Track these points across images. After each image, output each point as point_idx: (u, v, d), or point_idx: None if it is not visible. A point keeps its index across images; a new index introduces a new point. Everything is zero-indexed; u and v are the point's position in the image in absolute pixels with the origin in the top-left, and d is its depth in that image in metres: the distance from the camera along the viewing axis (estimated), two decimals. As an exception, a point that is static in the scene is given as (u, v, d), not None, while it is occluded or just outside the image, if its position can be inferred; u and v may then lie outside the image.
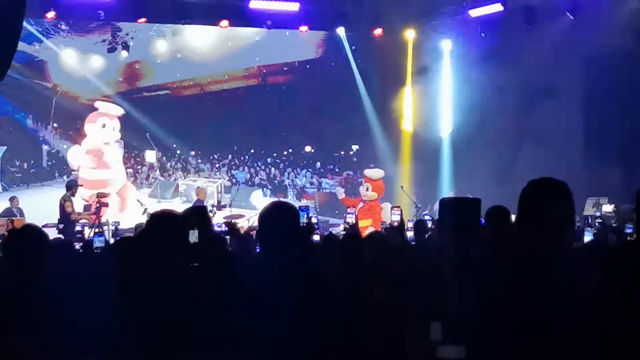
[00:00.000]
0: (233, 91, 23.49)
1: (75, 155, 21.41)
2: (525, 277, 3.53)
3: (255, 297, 4.12)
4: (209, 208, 18.90)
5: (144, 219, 15.50)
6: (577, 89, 19.83)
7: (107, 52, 21.84)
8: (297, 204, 17.05)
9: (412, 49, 21.61)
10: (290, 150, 24.29)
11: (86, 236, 14.10)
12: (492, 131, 20.67)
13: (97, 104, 21.63)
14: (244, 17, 20.83)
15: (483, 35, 20.69)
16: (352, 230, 9.67)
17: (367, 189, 19.94)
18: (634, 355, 3.37)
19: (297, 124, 23.40)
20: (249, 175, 24.07)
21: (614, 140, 18.84)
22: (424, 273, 5.43)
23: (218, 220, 16.61)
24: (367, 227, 18.16)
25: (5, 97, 21.14)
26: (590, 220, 15.20)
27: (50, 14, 19.41)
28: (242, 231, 12.29)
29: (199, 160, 23.53)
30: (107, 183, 20.98)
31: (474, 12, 20.35)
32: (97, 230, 15.05)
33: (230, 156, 23.93)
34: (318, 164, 24.58)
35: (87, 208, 17.39)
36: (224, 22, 20.92)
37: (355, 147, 24.54)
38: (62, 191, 17.65)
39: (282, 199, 20.06)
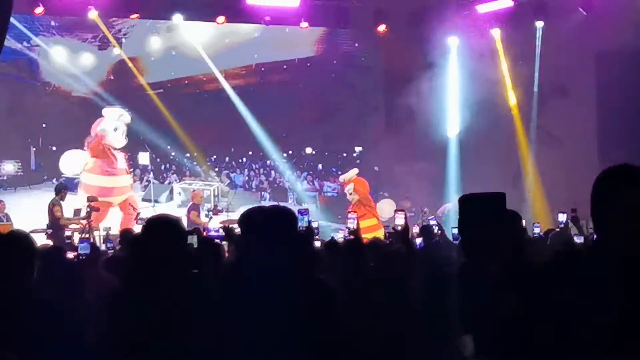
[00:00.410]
0: (230, 90, 23.42)
1: (71, 162, 21.42)
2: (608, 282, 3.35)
3: (253, 305, 4.13)
4: (205, 212, 18.95)
5: (134, 224, 15.45)
6: (590, 87, 19.85)
7: (99, 49, 21.84)
8: (296, 208, 17.05)
9: (417, 46, 21.57)
10: (290, 152, 24.26)
11: (75, 242, 14.07)
12: (501, 131, 20.68)
13: (105, 112, 21.56)
14: (241, 12, 20.79)
15: (492, 32, 20.68)
16: (354, 236, 9.63)
17: (351, 192, 20.03)
18: None
19: (297, 124, 23.41)
20: (247, 178, 24.05)
21: (628, 140, 18.81)
22: (433, 279, 5.43)
23: (214, 225, 16.71)
24: (372, 225, 18.23)
25: (-7, 96, 21.14)
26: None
27: (39, 10, 19.37)
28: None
29: (195, 163, 23.50)
30: (114, 192, 21.07)
31: (482, 8, 20.34)
32: (85, 235, 15.07)
33: (227, 158, 23.91)
34: (319, 166, 24.56)
35: (76, 213, 17.35)
36: (221, 18, 20.89)
37: (358, 149, 24.52)
38: (51, 195, 17.65)
39: (281, 203, 20.07)
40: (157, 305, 4.16)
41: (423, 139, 21.01)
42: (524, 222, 6.88)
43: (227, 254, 8.97)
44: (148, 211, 20.32)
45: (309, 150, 24.47)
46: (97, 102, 21.98)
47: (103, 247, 12.61)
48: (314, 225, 11.90)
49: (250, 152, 23.94)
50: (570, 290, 3.29)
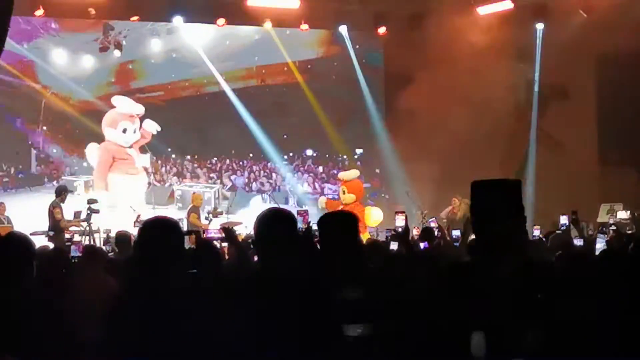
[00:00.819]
0: (231, 92, 23.39)
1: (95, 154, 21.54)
2: None
3: (254, 307, 4.14)
4: (205, 215, 18.93)
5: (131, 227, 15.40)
6: (590, 90, 19.85)
7: (99, 51, 21.81)
8: (296, 210, 17.03)
9: (418, 48, 21.56)
10: (291, 154, 24.25)
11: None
12: (502, 133, 20.67)
13: (115, 101, 21.57)
14: (242, 14, 20.80)
15: (492, 33, 20.67)
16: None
17: (344, 192, 19.98)
18: None
19: (298, 126, 23.39)
20: (247, 180, 24.02)
21: (628, 143, 18.82)
22: (434, 280, 5.41)
23: (214, 227, 16.67)
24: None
25: (-7, 98, 21.13)
26: (602, 228, 15.14)
27: (39, 12, 19.37)
28: (240, 239, 12.29)
29: (195, 165, 23.47)
30: (135, 192, 21.12)
31: (483, 10, 20.34)
32: (78, 239, 15.05)
33: (228, 161, 23.88)
34: (320, 168, 24.54)
35: (77, 215, 17.34)
36: (221, 20, 20.91)
37: (359, 151, 24.51)
38: (51, 197, 17.64)
39: (281, 206, 20.06)
40: (156, 307, 4.15)
41: (424, 141, 20.99)
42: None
43: (227, 256, 8.99)
44: (148, 213, 20.30)
45: (309, 152, 24.45)
46: (97, 104, 21.97)
47: (104, 249, 12.60)
48: (314, 227, 11.90)
49: (251, 155, 23.91)
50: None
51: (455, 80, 21.64)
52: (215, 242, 8.72)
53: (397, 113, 22.21)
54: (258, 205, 22.99)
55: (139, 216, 18.09)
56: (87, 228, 16.60)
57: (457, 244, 10.64)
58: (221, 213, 19.62)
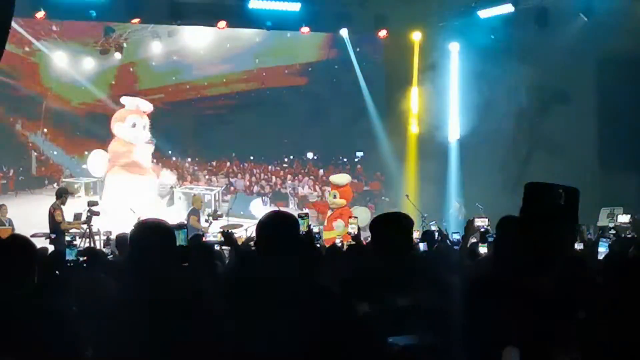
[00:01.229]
0: (231, 95, 23.43)
1: (98, 162, 21.48)
2: None
3: (255, 309, 4.14)
4: (205, 217, 18.91)
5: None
6: (591, 94, 19.84)
7: (100, 54, 21.82)
8: (297, 213, 17.03)
9: (418, 51, 21.60)
10: (291, 157, 24.26)
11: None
12: (502, 136, 20.67)
13: (124, 100, 21.65)
14: (243, 17, 20.79)
15: (493, 37, 20.68)
16: (355, 241, 9.64)
17: (335, 197, 20.05)
18: None
19: (298, 129, 23.41)
20: (248, 183, 24.02)
21: (629, 147, 18.81)
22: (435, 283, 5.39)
23: (214, 230, 16.66)
24: (334, 238, 18.21)
25: (-6, 101, 21.12)
26: (603, 232, 15.12)
27: (40, 14, 19.36)
28: (240, 242, 12.28)
29: (196, 168, 23.48)
30: (141, 192, 21.15)
31: (484, 13, 20.34)
32: (74, 242, 15.04)
33: (228, 163, 23.88)
34: (321, 171, 24.54)
35: (77, 217, 17.33)
36: (222, 23, 20.88)
37: (359, 154, 24.53)
38: (51, 199, 17.62)
39: (282, 208, 20.06)
40: (152, 306, 4.15)
41: (424, 143, 21.02)
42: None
43: (227, 260, 8.98)
44: (150, 215, 20.28)
45: (310, 155, 24.45)
46: (98, 107, 21.99)
47: (105, 251, 12.60)
48: (315, 230, 11.91)
49: (251, 157, 23.92)
50: None
51: (455, 82, 21.70)
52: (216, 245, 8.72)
53: (398, 116, 22.23)
54: (258, 208, 23.00)
55: (139, 219, 18.05)
56: (87, 230, 16.58)
57: (457, 247, 10.64)
58: (221, 215, 19.60)
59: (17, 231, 16.02)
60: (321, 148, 24.22)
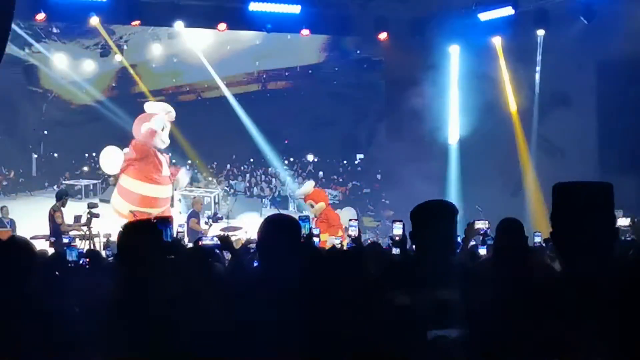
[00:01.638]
0: (232, 97, 23.40)
1: (113, 159, 21.39)
2: None
3: (255, 312, 4.16)
4: (205, 220, 18.90)
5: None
6: (591, 96, 19.84)
7: (100, 56, 21.84)
8: (297, 216, 17.01)
9: (418, 54, 21.58)
10: (291, 160, 24.25)
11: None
12: (502, 139, 20.67)
13: (149, 107, 21.57)
14: (243, 20, 20.80)
15: (493, 40, 20.69)
16: (355, 243, 9.64)
17: (312, 205, 19.93)
18: None
19: (299, 131, 23.43)
20: (248, 185, 24.01)
21: (629, 149, 18.81)
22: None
23: (214, 232, 16.64)
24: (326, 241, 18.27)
25: (-6, 102, 21.11)
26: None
27: (40, 16, 19.36)
28: (239, 244, 12.27)
29: (196, 170, 23.47)
30: (158, 203, 21.19)
31: (484, 16, 20.35)
32: (74, 243, 15.06)
33: (228, 165, 23.87)
34: (321, 173, 24.53)
35: (77, 219, 17.36)
36: (222, 25, 20.88)
37: (360, 156, 24.53)
38: (51, 201, 17.64)
39: (282, 211, 20.05)
40: (144, 306, 4.17)
41: (425, 146, 21.01)
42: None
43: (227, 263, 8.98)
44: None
45: (310, 157, 24.45)
46: (98, 109, 21.99)
47: (103, 254, 12.60)
48: (315, 232, 11.90)
49: (251, 159, 23.91)
50: None
51: (455, 85, 21.69)
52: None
53: (398, 118, 22.22)
54: (258, 210, 23.00)
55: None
56: (87, 232, 16.59)
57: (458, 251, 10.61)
58: (221, 218, 19.60)
59: (16, 233, 16.08)
60: (322, 150, 24.21)
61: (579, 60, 19.15)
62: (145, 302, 4.20)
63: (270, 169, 24.07)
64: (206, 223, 18.68)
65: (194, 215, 19.27)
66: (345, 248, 11.34)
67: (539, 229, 12.83)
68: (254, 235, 17.62)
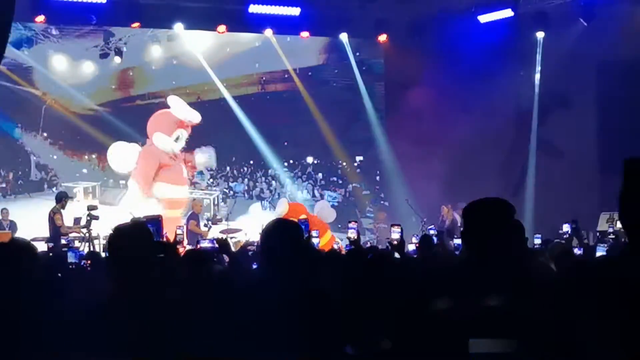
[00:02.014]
0: (231, 99, 23.39)
1: (127, 157, 21.45)
2: None
3: (255, 315, 4.18)
4: (204, 222, 18.90)
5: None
6: (591, 98, 19.86)
7: (99, 58, 21.82)
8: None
9: (418, 55, 21.58)
10: (291, 162, 24.26)
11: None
12: (502, 141, 20.69)
13: (171, 101, 21.62)
14: (242, 22, 20.80)
15: (494, 42, 20.71)
16: (356, 246, 9.66)
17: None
18: None
19: (298, 133, 23.44)
20: (247, 187, 24.00)
21: (629, 151, 18.74)
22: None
23: (214, 235, 16.67)
24: (329, 240, 18.30)
25: (-8, 104, 21.10)
26: (601, 236, 15.13)
27: (40, 18, 19.36)
28: (239, 246, 12.32)
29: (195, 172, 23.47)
30: (183, 204, 21.33)
31: (483, 18, 20.38)
32: (76, 245, 15.08)
33: (228, 168, 23.86)
34: (320, 175, 24.55)
35: (77, 221, 17.37)
36: (222, 28, 20.89)
37: (359, 158, 24.54)
38: (51, 204, 17.64)
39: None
40: (137, 306, 4.19)
41: (424, 148, 21.00)
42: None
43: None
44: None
45: (310, 159, 24.45)
46: (97, 111, 22.00)
47: (103, 256, 12.62)
48: (314, 234, 11.93)
49: (251, 161, 23.90)
50: None
51: (456, 87, 21.69)
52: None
53: (398, 120, 22.24)
54: (258, 212, 23.00)
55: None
56: (87, 234, 16.60)
57: (458, 252, 10.64)
58: (220, 220, 19.62)
59: (15, 235, 16.10)
60: (321, 152, 24.21)
61: (579, 62, 19.17)
62: (138, 302, 4.21)
63: (269, 171, 24.06)
64: (205, 225, 18.71)
65: (193, 217, 19.26)
66: (343, 251, 11.37)
67: (537, 231, 12.84)
68: (253, 237, 17.72)
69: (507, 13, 20.00)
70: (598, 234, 16.14)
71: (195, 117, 21.77)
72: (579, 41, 19.06)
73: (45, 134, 22.07)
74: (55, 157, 22.17)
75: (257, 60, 23.48)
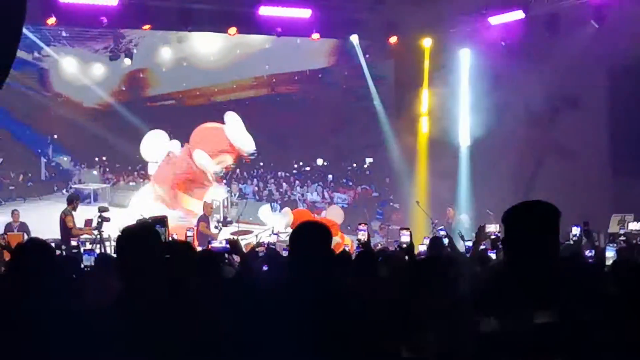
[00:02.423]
0: (241, 101, 23.48)
1: (159, 145, 21.48)
2: None
3: (275, 317, 4.24)
4: (215, 224, 18.91)
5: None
6: (602, 100, 19.83)
7: (109, 60, 21.91)
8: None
9: (429, 58, 21.61)
10: (301, 163, 24.32)
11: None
12: (513, 143, 20.67)
13: (229, 119, 21.66)
14: (253, 24, 20.75)
15: (503, 44, 20.72)
16: (365, 248, 9.69)
17: None
18: None
19: (308, 135, 23.48)
20: (256, 189, 24.05)
21: (640, 153, 18.80)
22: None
23: (224, 236, 16.70)
24: (338, 244, 18.34)
25: (3, 106, 21.14)
26: (612, 238, 15.12)
27: (51, 20, 19.37)
28: (249, 248, 12.37)
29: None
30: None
31: (494, 20, 20.38)
32: (90, 246, 15.14)
33: (238, 170, 23.93)
34: (330, 177, 24.60)
35: (88, 223, 17.42)
36: (233, 29, 20.84)
37: (369, 160, 24.58)
38: (61, 206, 17.68)
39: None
40: (145, 308, 4.25)
41: (435, 149, 21.02)
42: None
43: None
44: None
45: (319, 161, 24.51)
46: (107, 113, 22.08)
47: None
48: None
49: (261, 163, 23.97)
50: None
51: (466, 89, 21.72)
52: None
53: (408, 122, 22.25)
54: (267, 214, 23.04)
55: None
56: (98, 236, 16.65)
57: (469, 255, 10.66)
58: (231, 222, 19.64)
59: (26, 237, 16.18)
60: (331, 154, 24.26)
61: (590, 64, 19.14)
62: (147, 304, 4.27)
63: (279, 173, 24.12)
64: (216, 227, 18.73)
65: (203, 219, 19.26)
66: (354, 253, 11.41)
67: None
68: (263, 239, 17.77)
69: (518, 15, 19.99)
70: (610, 236, 16.13)
71: (249, 145, 21.78)
72: (591, 43, 19.03)
73: (55, 136, 22.18)
74: (65, 158, 22.26)
75: (267, 62, 23.53)
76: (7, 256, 10.82)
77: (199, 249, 13.13)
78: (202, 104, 23.11)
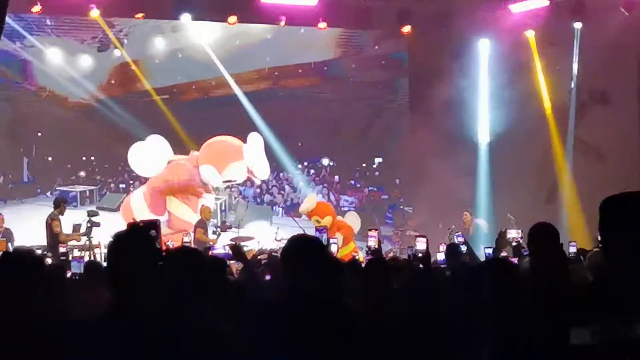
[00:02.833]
0: (241, 96, 23.44)
1: (158, 157, 21.16)
2: None
3: (275, 330, 4.30)
4: (212, 229, 18.70)
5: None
6: (632, 93, 19.82)
7: (98, 51, 21.86)
8: (314, 227, 17.12)
9: (445, 49, 21.57)
10: (305, 163, 24.31)
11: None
12: (536, 141, 20.66)
13: (252, 140, 21.08)
14: (255, 12, 20.62)
15: (526, 33, 20.72)
16: (376, 255, 9.69)
17: (318, 222, 19.45)
18: None
19: (313, 133, 23.46)
20: (258, 191, 24.00)
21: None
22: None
23: (224, 242, 16.55)
24: (350, 252, 18.26)
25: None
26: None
27: (36, 8, 19.33)
28: (250, 255, 12.37)
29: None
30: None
31: (516, 8, 20.36)
32: (80, 254, 15.14)
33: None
34: (336, 178, 24.59)
35: (76, 228, 17.31)
36: (233, 18, 20.71)
37: (378, 160, 24.56)
38: (45, 210, 17.61)
39: (295, 219, 20.03)
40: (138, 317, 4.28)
41: (450, 149, 20.97)
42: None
43: (236, 274, 9.08)
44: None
45: (325, 161, 24.51)
46: (96, 108, 22.03)
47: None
48: (333, 241, 11.99)
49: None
50: None
51: (485, 83, 21.68)
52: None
53: (422, 118, 22.17)
54: (270, 219, 23.02)
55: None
56: (87, 242, 16.58)
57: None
58: (230, 227, 19.51)
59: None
60: (337, 154, 24.24)
61: (619, 55, 19.14)
62: (140, 316, 4.29)
63: (282, 174, 24.10)
64: (214, 233, 18.36)
65: (200, 224, 18.65)
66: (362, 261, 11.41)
67: (574, 239, 12.81)
68: (265, 245, 17.75)
69: (543, 2, 19.99)
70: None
71: (264, 173, 21.60)
72: (620, 32, 19.00)
73: (39, 134, 22.11)
74: (50, 158, 22.23)
75: (269, 53, 23.46)
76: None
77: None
78: (198, 98, 23.08)
